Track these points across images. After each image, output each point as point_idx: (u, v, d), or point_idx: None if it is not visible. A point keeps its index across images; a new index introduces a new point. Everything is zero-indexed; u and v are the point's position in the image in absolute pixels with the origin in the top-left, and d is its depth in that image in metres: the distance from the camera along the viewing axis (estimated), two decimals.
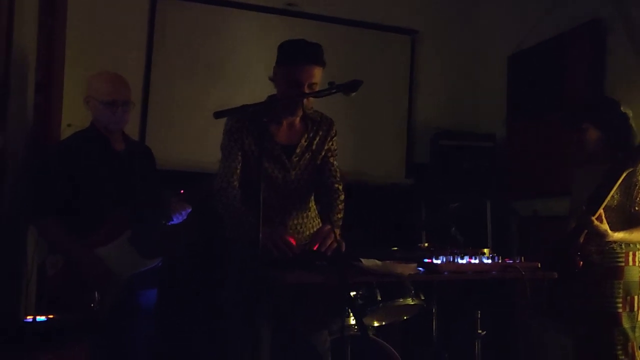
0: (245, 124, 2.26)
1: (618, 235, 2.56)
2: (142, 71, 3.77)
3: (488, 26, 4.50)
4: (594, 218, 2.49)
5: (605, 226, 2.51)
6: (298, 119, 2.34)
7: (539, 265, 2.17)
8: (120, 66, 3.65)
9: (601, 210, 2.51)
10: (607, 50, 3.49)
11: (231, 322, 2.22)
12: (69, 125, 3.25)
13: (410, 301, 2.93)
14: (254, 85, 3.92)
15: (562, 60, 3.72)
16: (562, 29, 3.74)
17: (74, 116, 3.26)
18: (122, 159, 2.63)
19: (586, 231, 2.57)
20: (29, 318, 2.03)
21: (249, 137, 2.26)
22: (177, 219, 2.64)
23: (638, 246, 2.64)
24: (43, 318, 2.02)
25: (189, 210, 2.67)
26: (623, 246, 2.62)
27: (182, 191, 2.80)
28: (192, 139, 3.80)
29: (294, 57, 2.20)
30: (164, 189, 2.74)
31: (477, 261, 2.12)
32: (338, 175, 2.41)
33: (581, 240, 2.59)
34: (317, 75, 2.21)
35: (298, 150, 2.31)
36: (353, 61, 4.14)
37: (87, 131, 2.64)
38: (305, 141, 2.32)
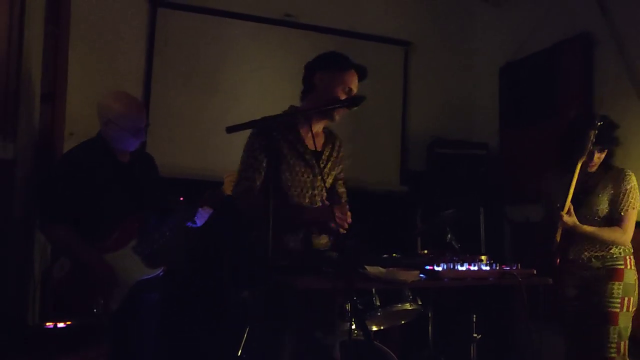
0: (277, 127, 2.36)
1: (588, 229, 2.74)
2: (142, 80, 3.83)
3: (480, 38, 4.62)
4: (563, 213, 2.69)
5: (573, 219, 2.70)
6: (322, 128, 2.50)
7: (535, 272, 2.27)
8: (120, 75, 3.73)
9: (569, 204, 2.70)
10: (595, 63, 3.62)
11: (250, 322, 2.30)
12: (71, 134, 3.31)
13: (408, 306, 3.01)
14: (252, 94, 4.02)
15: (553, 71, 3.84)
16: (553, 41, 3.86)
17: (75, 125, 3.33)
18: (127, 170, 2.69)
19: (560, 228, 2.74)
20: (50, 324, 2.09)
21: (280, 140, 2.37)
22: (200, 222, 2.72)
23: (629, 250, 2.80)
24: (62, 325, 2.07)
25: (211, 212, 2.74)
26: (621, 251, 2.78)
27: (181, 198, 2.86)
28: (191, 147, 3.87)
29: (344, 64, 2.39)
30: (170, 196, 2.80)
31: (475, 268, 2.21)
32: (343, 181, 2.59)
33: (558, 238, 2.76)
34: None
35: (324, 156, 2.47)
36: None
37: (94, 142, 2.68)
38: (328, 149, 2.50)
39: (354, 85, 2.39)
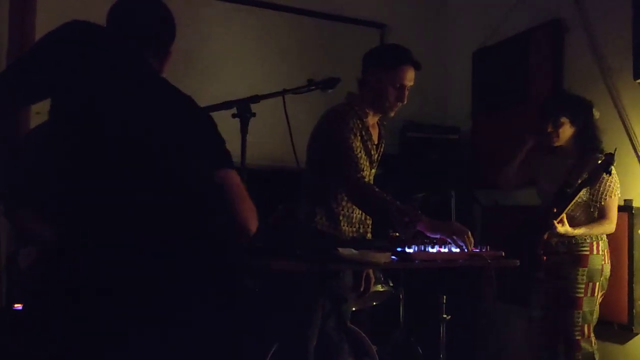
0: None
1: (579, 231, 2.77)
2: None
3: (454, 22, 4.64)
4: (556, 222, 2.69)
5: (565, 228, 2.71)
6: (377, 120, 2.48)
7: (503, 254, 2.31)
8: None
9: (564, 215, 2.70)
10: (565, 49, 3.68)
11: None
12: (37, 113, 3.22)
13: (379, 288, 3.07)
14: (228, 74, 3.98)
15: (525, 57, 3.89)
16: (525, 27, 3.90)
17: (41, 104, 3.24)
18: None
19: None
20: (18, 306, 2.05)
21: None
22: None
23: (600, 236, 2.85)
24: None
25: None
26: (588, 237, 2.82)
27: None
28: None
29: (392, 62, 2.34)
30: None
31: (446, 250, 2.24)
32: None
33: (545, 237, 2.79)
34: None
35: (379, 150, 2.49)
36: (323, 53, 4.23)
37: None
38: (382, 142, 2.51)
39: (407, 80, 2.33)
